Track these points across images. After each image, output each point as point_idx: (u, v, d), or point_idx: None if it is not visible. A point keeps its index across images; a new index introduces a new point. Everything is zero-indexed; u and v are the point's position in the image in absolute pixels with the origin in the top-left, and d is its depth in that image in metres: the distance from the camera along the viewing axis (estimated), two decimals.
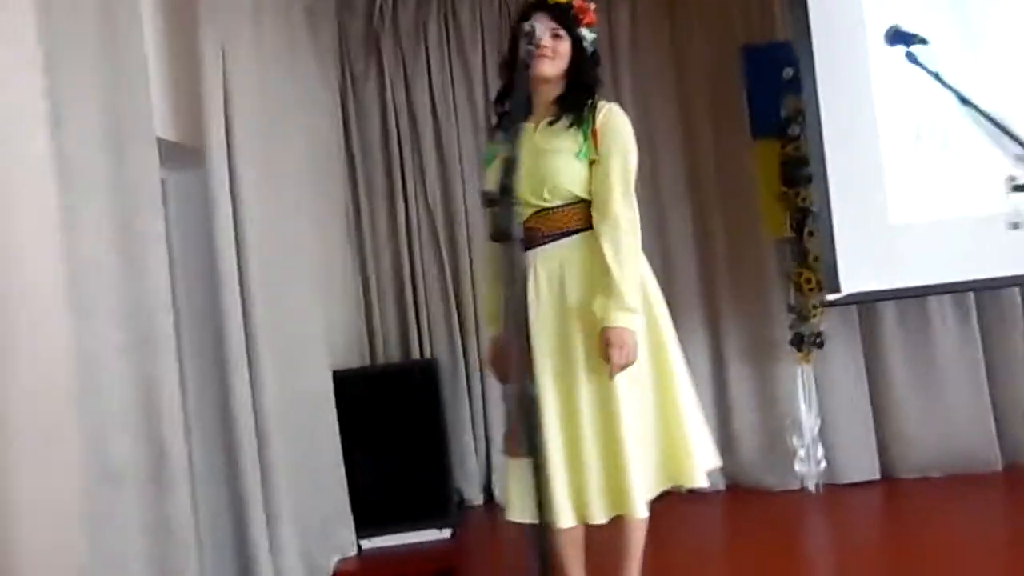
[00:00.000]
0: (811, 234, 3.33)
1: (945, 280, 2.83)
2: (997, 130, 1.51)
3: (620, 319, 1.91)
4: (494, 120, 2.22)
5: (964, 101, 1.64)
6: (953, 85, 1.67)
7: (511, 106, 2.11)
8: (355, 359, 3.62)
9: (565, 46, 2.05)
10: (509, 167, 1.30)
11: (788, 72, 3.37)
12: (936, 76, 1.71)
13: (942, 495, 3.28)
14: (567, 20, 2.03)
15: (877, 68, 2.81)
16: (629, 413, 1.93)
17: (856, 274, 2.84)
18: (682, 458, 1.99)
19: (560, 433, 1.94)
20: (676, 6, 3.78)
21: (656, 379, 2.02)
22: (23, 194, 1.49)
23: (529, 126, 2.08)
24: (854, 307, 3.48)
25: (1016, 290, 3.40)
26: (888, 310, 3.49)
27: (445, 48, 3.84)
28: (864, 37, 2.81)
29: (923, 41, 1.79)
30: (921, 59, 1.79)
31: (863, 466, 3.48)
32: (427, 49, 3.84)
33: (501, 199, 1.23)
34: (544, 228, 2.02)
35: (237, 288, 2.42)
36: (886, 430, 3.53)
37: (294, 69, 3.15)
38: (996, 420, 3.46)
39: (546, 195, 2.01)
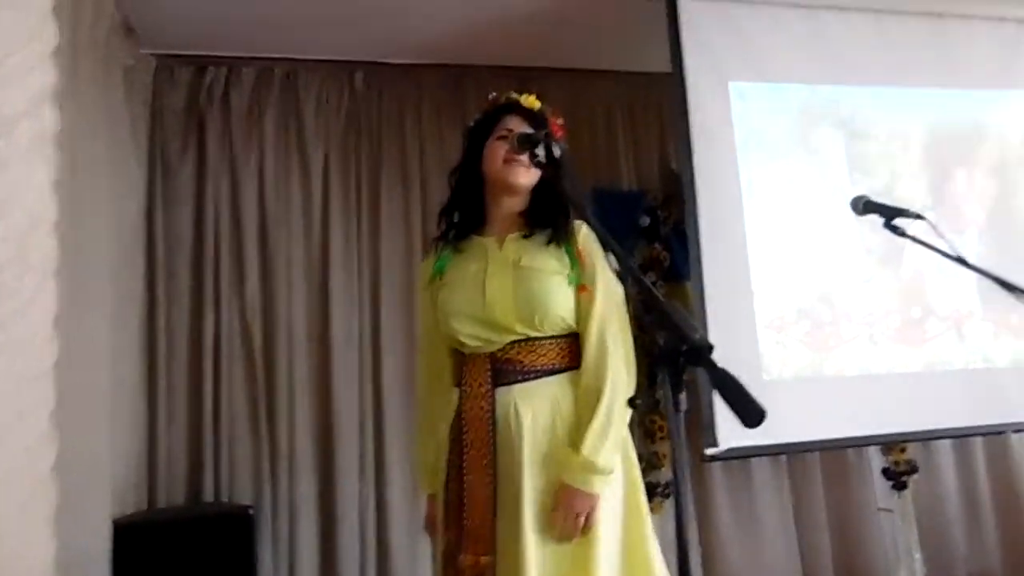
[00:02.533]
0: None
1: (813, 437, 2.92)
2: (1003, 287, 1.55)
3: (594, 484, 1.61)
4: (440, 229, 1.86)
5: (962, 263, 1.68)
6: (947, 252, 1.71)
7: (470, 216, 1.81)
8: (133, 502, 2.79)
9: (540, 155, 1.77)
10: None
11: (645, 220, 3.46)
12: (930, 247, 1.75)
13: None
14: (543, 128, 1.76)
15: (752, 235, 2.96)
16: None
17: (733, 429, 2.83)
18: None
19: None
20: None
21: (629, 551, 1.72)
22: None
23: (489, 240, 1.78)
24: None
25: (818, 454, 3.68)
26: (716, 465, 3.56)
27: (283, 139, 3.37)
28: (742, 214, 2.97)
29: (902, 213, 1.84)
30: (903, 230, 1.84)
31: None
32: (261, 137, 3.34)
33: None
34: (528, 362, 1.68)
35: None
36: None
37: (111, 128, 2.50)
38: (804, 572, 3.62)
39: (537, 323, 1.69)
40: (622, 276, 1.61)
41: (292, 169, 3.36)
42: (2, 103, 0.92)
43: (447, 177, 1.88)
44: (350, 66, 3.46)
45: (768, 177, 3.03)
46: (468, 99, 3.54)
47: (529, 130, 1.71)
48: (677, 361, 1.15)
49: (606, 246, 1.50)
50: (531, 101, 1.80)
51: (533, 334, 1.69)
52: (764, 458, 3.56)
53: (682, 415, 1.16)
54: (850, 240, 3.06)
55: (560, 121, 1.84)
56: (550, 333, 1.70)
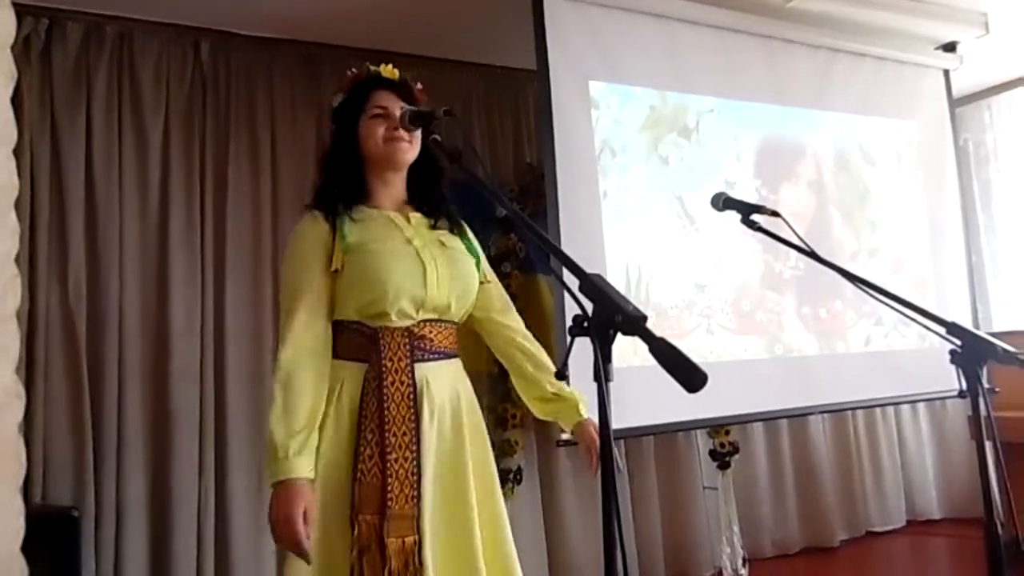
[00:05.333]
0: None
1: (658, 421, 3.10)
2: (860, 285, 1.74)
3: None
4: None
5: (816, 258, 1.86)
6: (800, 245, 1.90)
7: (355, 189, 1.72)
8: None
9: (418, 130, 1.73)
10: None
11: (501, 211, 3.49)
12: (779, 238, 1.93)
13: None
14: (411, 99, 1.74)
15: (608, 228, 3.11)
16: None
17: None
18: None
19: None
20: None
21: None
22: None
23: (391, 214, 1.72)
24: (534, 444, 3.62)
25: (652, 437, 3.93)
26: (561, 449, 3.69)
27: (115, 106, 3.05)
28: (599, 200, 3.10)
29: (759, 210, 2.00)
30: (760, 224, 2.00)
31: None
32: (89, 101, 3.00)
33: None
34: (437, 341, 1.66)
35: None
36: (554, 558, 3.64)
37: None
38: (637, 547, 3.85)
39: (461, 305, 1.70)
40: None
41: (126, 139, 3.06)
42: None
43: (318, 161, 1.82)
44: (195, 33, 3.21)
45: (622, 175, 3.19)
46: (324, 79, 3.41)
47: (405, 104, 1.69)
48: (607, 332, 1.18)
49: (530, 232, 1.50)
50: (390, 71, 1.77)
51: (448, 316, 1.68)
52: None
53: (609, 386, 1.19)
54: (691, 241, 3.31)
55: (420, 87, 1.81)
56: (456, 318, 1.72)
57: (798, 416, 3.99)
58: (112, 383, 2.91)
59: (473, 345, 3.34)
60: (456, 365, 1.72)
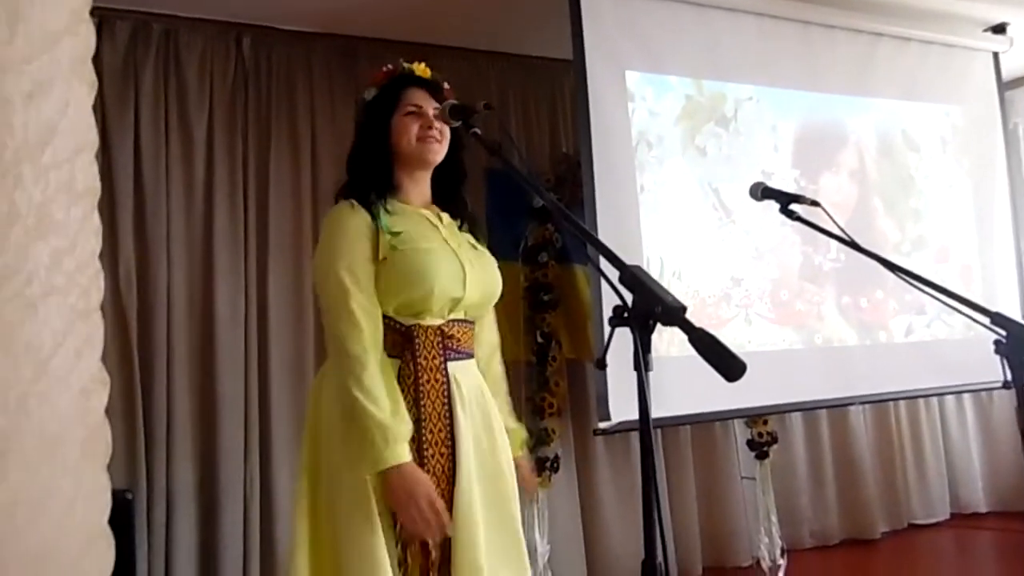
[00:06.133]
0: (553, 359, 3.42)
1: (695, 411, 3.10)
2: (902, 275, 1.72)
3: None
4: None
5: (857, 248, 1.84)
6: (841, 235, 1.88)
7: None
8: None
9: (447, 129, 1.75)
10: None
11: (538, 201, 3.52)
12: (818, 228, 1.91)
13: None
14: (441, 99, 1.75)
15: (645, 218, 3.11)
16: None
17: (624, 404, 2.95)
18: None
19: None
20: None
21: None
22: None
23: (424, 211, 1.75)
24: (570, 432, 3.65)
25: (689, 428, 3.92)
26: (598, 438, 3.71)
27: (162, 101, 3.13)
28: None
29: (798, 199, 1.99)
30: (798, 213, 1.99)
31: None
32: (137, 97, 3.08)
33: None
34: (463, 341, 1.69)
35: None
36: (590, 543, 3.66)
37: None
38: (674, 536, 3.85)
39: (483, 305, 1.75)
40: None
41: (172, 134, 3.14)
42: (43, 18, 0.81)
43: (347, 156, 1.79)
44: (237, 28, 3.27)
45: (658, 168, 3.18)
46: (361, 71, 3.45)
47: (437, 104, 1.71)
48: (647, 322, 1.19)
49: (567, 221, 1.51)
50: (423, 70, 1.79)
51: (472, 316, 1.72)
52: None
53: (650, 375, 1.20)
54: (727, 232, 3.29)
55: (447, 86, 1.82)
56: (477, 319, 1.76)
57: (837, 407, 3.95)
58: (161, 371, 3.00)
59: (512, 335, 3.40)
60: (476, 364, 1.75)
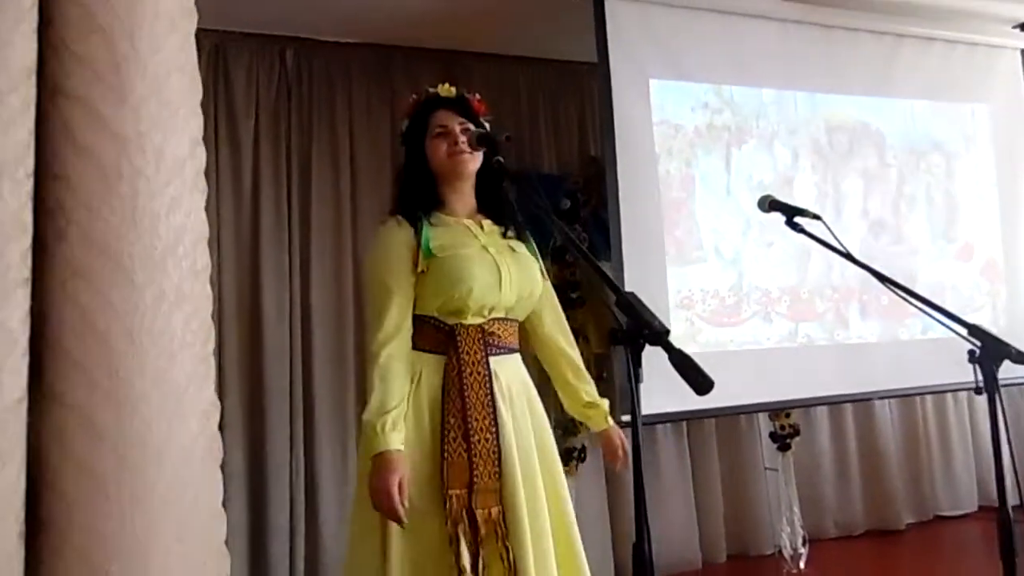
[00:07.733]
0: (581, 354, 3.57)
1: (719, 404, 3.23)
2: (891, 286, 1.84)
3: None
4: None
5: (852, 260, 1.96)
6: (841, 248, 1.99)
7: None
8: None
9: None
10: None
11: (566, 203, 3.67)
12: (822, 243, 2.02)
13: None
14: (470, 112, 1.93)
15: (667, 220, 3.24)
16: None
17: (648, 397, 3.08)
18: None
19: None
20: None
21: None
22: None
23: (466, 221, 1.91)
24: None
25: (714, 420, 4.04)
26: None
27: (211, 111, 3.35)
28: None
29: (802, 213, 2.10)
30: (802, 227, 2.10)
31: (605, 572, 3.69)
32: None
33: None
34: (504, 336, 1.86)
35: None
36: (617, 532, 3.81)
37: None
38: (698, 525, 3.98)
39: (526, 306, 1.91)
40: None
41: (222, 142, 3.36)
42: (175, 149, 1.14)
43: (394, 175, 2.03)
44: (281, 41, 3.47)
45: (682, 170, 3.30)
46: (396, 78, 3.63)
47: (464, 119, 1.89)
48: (638, 341, 1.36)
49: (571, 247, 1.67)
50: (447, 89, 1.95)
51: (513, 315, 1.89)
52: (668, 425, 3.88)
53: (640, 386, 1.36)
54: (751, 231, 3.40)
55: (478, 97, 1.99)
56: (520, 316, 1.92)
57: (857, 401, 4.03)
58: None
59: None
60: (518, 358, 1.92)
